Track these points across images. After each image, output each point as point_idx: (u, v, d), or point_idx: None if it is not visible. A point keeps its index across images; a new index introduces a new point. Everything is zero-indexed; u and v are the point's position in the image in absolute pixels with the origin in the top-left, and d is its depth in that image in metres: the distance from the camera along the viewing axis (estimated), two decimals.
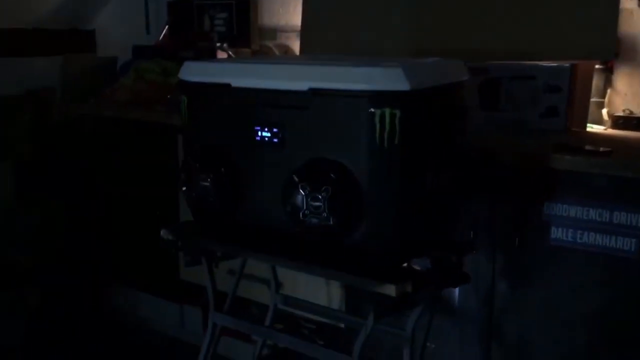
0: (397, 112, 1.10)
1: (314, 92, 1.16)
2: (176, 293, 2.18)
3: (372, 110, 1.10)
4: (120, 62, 2.46)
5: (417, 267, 1.26)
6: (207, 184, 1.29)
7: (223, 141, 1.30)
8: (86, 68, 2.28)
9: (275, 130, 1.22)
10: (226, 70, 1.28)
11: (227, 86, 1.26)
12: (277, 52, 2.35)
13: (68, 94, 2.26)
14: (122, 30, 2.81)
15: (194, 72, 1.34)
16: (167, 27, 2.56)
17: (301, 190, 1.16)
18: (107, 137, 2.24)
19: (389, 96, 1.10)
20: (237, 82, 1.25)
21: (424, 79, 1.13)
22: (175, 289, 2.16)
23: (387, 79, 1.10)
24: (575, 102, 1.74)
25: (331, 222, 1.14)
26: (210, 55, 2.24)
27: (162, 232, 1.42)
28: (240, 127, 1.27)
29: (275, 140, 1.23)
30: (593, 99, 1.84)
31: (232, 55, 2.27)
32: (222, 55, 2.27)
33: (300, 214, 1.16)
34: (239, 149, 1.27)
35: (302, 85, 1.17)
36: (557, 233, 1.44)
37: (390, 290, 1.13)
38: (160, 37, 2.58)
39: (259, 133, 1.24)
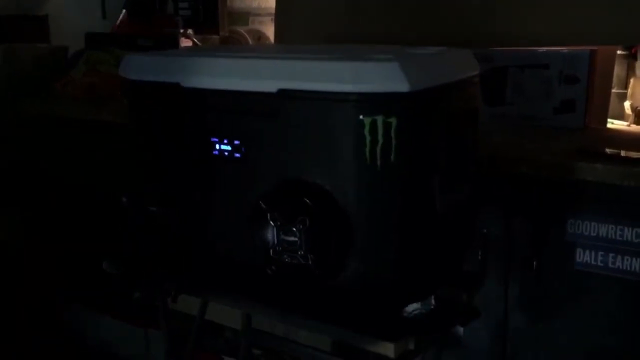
0: (393, 121, 0.84)
1: (284, 94, 0.89)
2: (141, 316, 1.93)
3: (361, 118, 0.84)
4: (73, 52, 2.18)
5: (418, 311, 1.01)
6: (154, 209, 1.03)
7: (173, 156, 1.04)
8: (29, 59, 1.98)
9: (236, 142, 0.96)
10: (175, 66, 1.01)
11: (176, 86, 0.99)
12: (249, 39, 2.07)
13: (10, 90, 1.97)
14: (78, 15, 2.53)
15: (136, 67, 1.07)
16: (124, 11, 2.28)
17: (271, 221, 0.90)
18: (57, 139, 1.96)
19: (383, 100, 0.84)
20: (188, 81, 0.98)
21: (426, 76, 0.87)
22: (140, 312, 1.91)
23: (380, 77, 0.84)
24: (594, 94, 1.49)
25: (309, 262, 0.89)
26: (173, 44, 1.96)
27: (104, 265, 1.16)
28: (193, 139, 1.00)
29: (237, 155, 0.96)
30: (614, 90, 1.59)
31: (198, 43, 2.00)
32: (186, 43, 2.00)
33: (271, 251, 0.91)
34: (192, 166, 1.01)
35: (269, 86, 0.90)
36: (583, 256, 1.20)
37: (388, 349, 0.88)
38: (117, 23, 2.29)
39: (217, 146, 0.98)
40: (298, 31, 1.80)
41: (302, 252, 0.88)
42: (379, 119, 0.84)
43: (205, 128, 0.98)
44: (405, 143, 0.85)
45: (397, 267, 0.91)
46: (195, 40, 1.99)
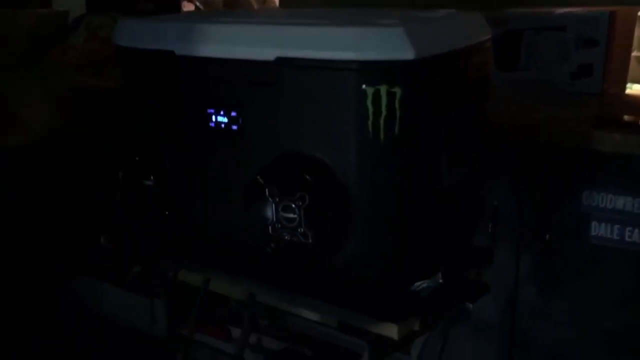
0: (398, 91, 0.78)
1: (282, 62, 0.84)
2: (145, 285, 1.91)
3: (363, 87, 0.79)
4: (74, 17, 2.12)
5: (424, 287, 0.97)
6: (150, 182, 0.99)
7: (168, 129, 0.99)
8: (29, 25, 1.93)
9: (233, 114, 0.91)
10: (169, 33, 0.96)
11: (170, 54, 0.94)
12: (254, 3, 2.01)
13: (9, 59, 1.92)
14: None
15: (128, 34, 1.01)
16: None
17: (269, 197, 0.86)
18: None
19: (387, 68, 0.78)
20: (182, 49, 0.93)
21: (433, 42, 0.81)
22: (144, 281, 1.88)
23: (383, 44, 0.78)
24: (613, 58, 1.42)
25: (309, 240, 0.85)
26: (174, 8, 1.90)
27: (102, 239, 1.13)
28: (189, 110, 0.95)
29: (234, 127, 0.91)
30: (634, 54, 1.52)
31: (200, 7, 1.93)
32: (189, 7, 1.93)
33: (269, 228, 0.87)
34: (188, 138, 0.96)
35: (267, 54, 0.85)
36: (599, 229, 1.15)
37: (392, 331, 0.84)
38: None
39: (213, 117, 0.93)
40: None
41: (301, 230, 0.84)
42: (382, 89, 0.78)
43: (201, 99, 0.93)
44: (410, 115, 0.80)
45: (401, 245, 0.86)
46: (198, 4, 1.92)
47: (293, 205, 0.84)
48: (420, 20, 0.87)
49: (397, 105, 0.79)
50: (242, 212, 0.90)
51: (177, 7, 1.92)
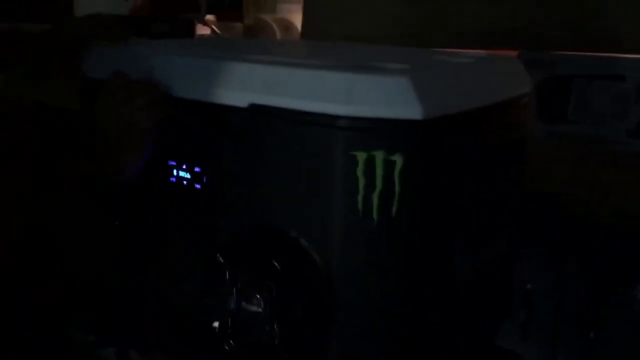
0: (399, 159, 0.59)
1: (256, 110, 0.66)
2: None
3: (353, 153, 0.60)
4: None
5: None
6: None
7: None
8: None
9: (197, 169, 0.73)
10: (132, 64, 0.79)
11: None
12: (276, 29, 1.84)
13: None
14: None
15: (94, 62, 0.85)
16: None
17: (229, 282, 0.67)
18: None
19: (385, 129, 0.59)
20: None
21: (449, 97, 0.61)
22: None
23: (382, 96, 0.59)
24: None
25: (276, 341, 0.65)
26: (188, 30, 1.75)
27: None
28: (150, 158, 0.78)
29: (197, 186, 0.73)
30: None
31: (217, 32, 1.78)
32: (204, 31, 1.78)
33: (229, 321, 0.68)
34: (145, 191, 0.78)
35: (239, 98, 0.67)
36: None
37: None
38: (139, 2, 2.09)
39: (174, 171, 0.75)
40: (325, 26, 1.55)
41: (267, 328, 0.65)
42: (378, 156, 0.59)
43: (162, 146, 0.75)
44: (414, 190, 0.60)
45: (398, 354, 0.66)
46: (214, 27, 1.77)
47: (258, 296, 0.65)
48: (437, 66, 0.68)
49: (396, 178, 0.59)
50: (200, 294, 0.71)
51: (192, 31, 1.77)
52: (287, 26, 1.83)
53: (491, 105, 0.66)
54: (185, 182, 0.74)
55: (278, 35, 1.82)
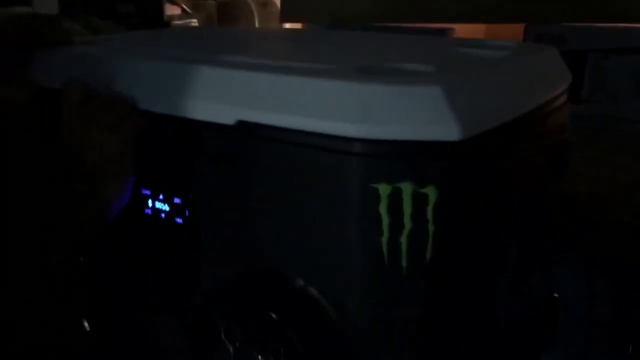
0: (432, 192, 0.47)
1: (246, 129, 0.53)
2: None
3: (374, 185, 0.48)
4: None
5: None
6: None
7: None
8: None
9: (177, 200, 0.60)
10: (90, 69, 0.65)
11: None
12: (253, 7, 1.69)
13: None
14: None
15: (44, 69, 0.71)
16: None
17: (225, 341, 0.55)
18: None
19: (413, 154, 0.47)
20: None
21: (490, 106, 0.49)
22: None
23: (409, 112, 0.47)
24: None
25: None
26: (156, 11, 1.59)
27: None
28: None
29: (178, 220, 0.60)
30: None
31: (188, 10, 1.62)
32: (173, 11, 1.62)
33: None
34: (116, 226, 0.65)
35: (223, 114, 0.54)
36: None
37: None
38: None
39: (149, 202, 0.62)
40: (307, 4, 1.40)
41: None
42: (406, 189, 0.47)
43: (135, 175, 0.62)
44: (453, 229, 0.48)
45: None
46: (185, 7, 1.61)
47: (261, 358, 0.53)
48: (468, 67, 0.55)
49: (430, 215, 0.47)
50: (186, 353, 0.59)
51: (160, 10, 1.61)
52: (264, 2, 1.68)
53: (536, 108, 0.54)
54: (163, 215, 0.61)
55: (255, 14, 1.67)
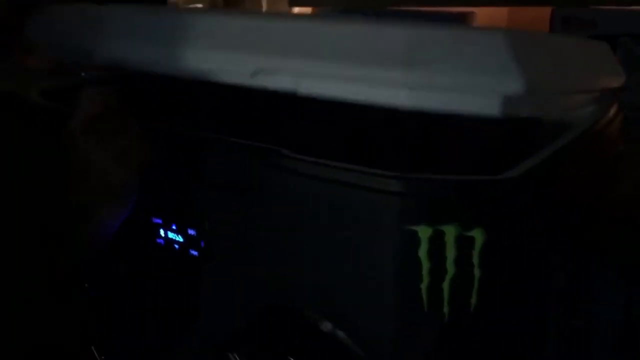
0: (479, 235, 0.42)
1: (271, 158, 0.48)
2: None
3: (412, 228, 0.43)
4: None
5: None
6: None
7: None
8: None
9: (191, 232, 0.55)
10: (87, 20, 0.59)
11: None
12: None
13: None
14: None
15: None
16: None
17: None
18: None
19: (458, 194, 0.42)
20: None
21: (556, 74, 0.44)
22: None
23: (468, 60, 0.41)
24: None
25: None
26: None
27: None
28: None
29: (194, 252, 0.56)
30: None
31: None
32: None
33: None
34: (124, 252, 0.61)
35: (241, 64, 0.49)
36: None
37: None
38: None
39: (161, 232, 0.58)
40: None
41: None
42: (449, 232, 0.42)
43: (144, 199, 0.57)
44: (501, 274, 0.43)
45: None
46: None
47: None
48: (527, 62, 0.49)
49: (475, 260, 0.42)
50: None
51: None
52: None
53: (600, 123, 0.48)
54: (176, 247, 0.56)
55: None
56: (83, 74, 0.80)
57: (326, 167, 0.44)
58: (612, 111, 0.55)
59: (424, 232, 0.42)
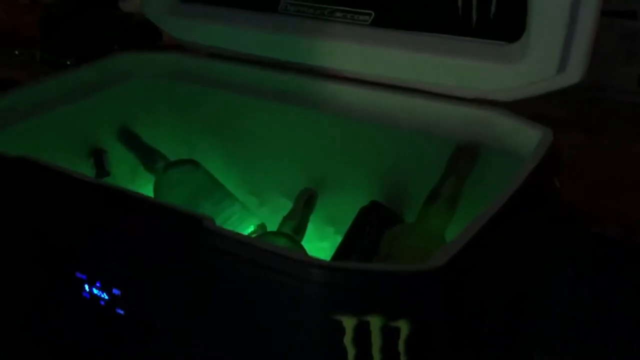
0: (404, 326, 0.40)
1: (191, 227, 0.45)
2: None
3: (337, 318, 0.41)
4: None
5: None
6: None
7: (28, 275, 0.61)
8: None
9: (115, 292, 0.53)
10: None
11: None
12: None
13: None
14: None
15: None
16: None
17: None
18: None
19: (382, 282, 0.40)
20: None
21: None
22: None
23: None
24: None
25: None
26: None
27: None
28: (52, 260, 0.57)
29: (120, 311, 0.53)
30: None
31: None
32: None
33: None
34: (50, 301, 0.58)
35: None
36: None
37: None
38: None
39: (86, 287, 0.55)
40: None
41: None
42: (374, 323, 0.40)
43: (64, 250, 0.54)
44: (429, 357, 0.42)
45: None
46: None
47: None
48: None
49: (402, 348, 0.41)
50: None
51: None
52: None
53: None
54: (102, 303, 0.54)
55: None
56: None
57: (247, 247, 0.42)
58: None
59: (348, 322, 0.40)
